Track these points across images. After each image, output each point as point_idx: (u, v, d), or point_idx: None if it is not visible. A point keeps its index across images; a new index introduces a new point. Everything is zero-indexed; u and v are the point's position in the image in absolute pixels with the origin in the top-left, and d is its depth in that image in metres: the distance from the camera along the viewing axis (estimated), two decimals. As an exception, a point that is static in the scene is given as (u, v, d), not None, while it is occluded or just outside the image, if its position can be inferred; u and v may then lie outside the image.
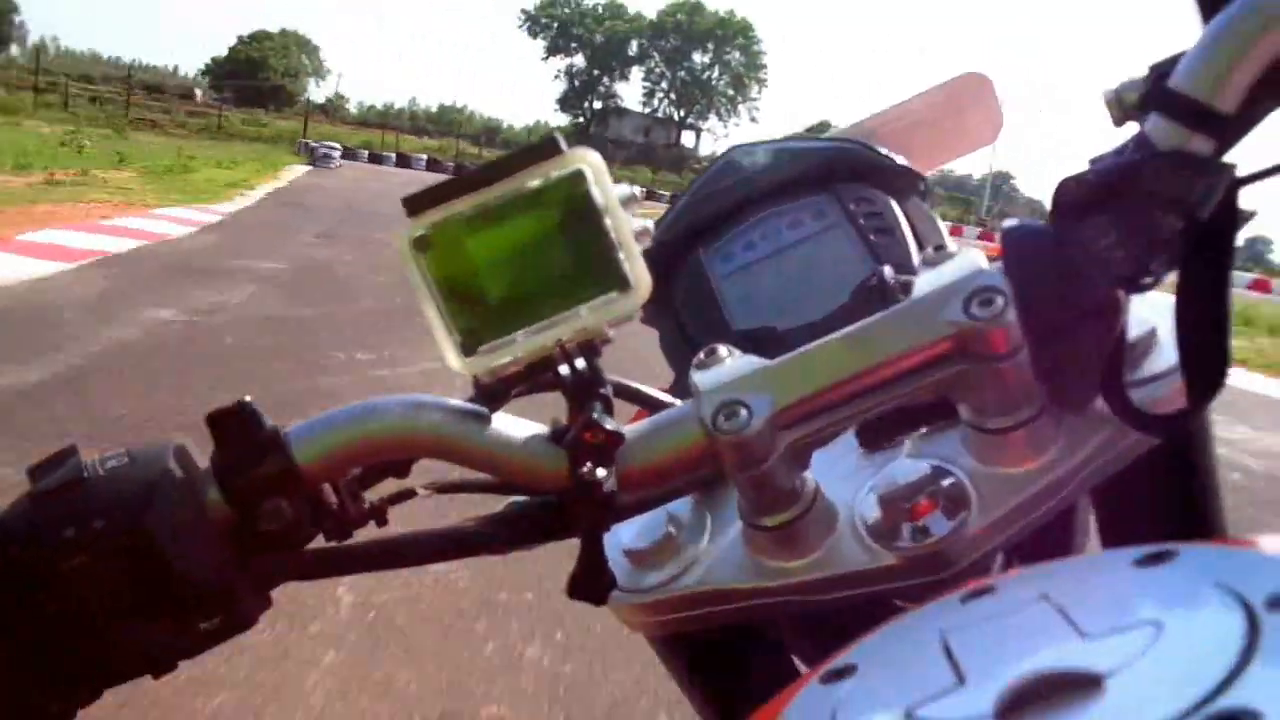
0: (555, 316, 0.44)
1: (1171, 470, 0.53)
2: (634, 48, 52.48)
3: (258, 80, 51.39)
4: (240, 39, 53.87)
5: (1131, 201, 0.40)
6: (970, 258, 0.42)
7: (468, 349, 0.44)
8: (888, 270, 0.48)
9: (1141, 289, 0.41)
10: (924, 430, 0.50)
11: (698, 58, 52.10)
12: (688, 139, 55.80)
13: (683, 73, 52.01)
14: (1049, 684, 0.25)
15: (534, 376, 0.46)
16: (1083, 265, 0.40)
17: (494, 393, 0.46)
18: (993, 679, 0.27)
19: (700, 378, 0.45)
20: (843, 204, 0.63)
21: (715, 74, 52.66)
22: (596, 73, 53.67)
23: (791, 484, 0.46)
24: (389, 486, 0.50)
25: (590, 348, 0.45)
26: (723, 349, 0.46)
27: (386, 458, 0.47)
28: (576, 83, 54.02)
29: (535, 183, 0.43)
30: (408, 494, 0.49)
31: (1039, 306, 0.41)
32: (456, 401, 0.47)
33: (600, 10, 52.18)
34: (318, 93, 54.09)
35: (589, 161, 0.43)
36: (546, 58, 54.73)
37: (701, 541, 0.52)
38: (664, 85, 52.53)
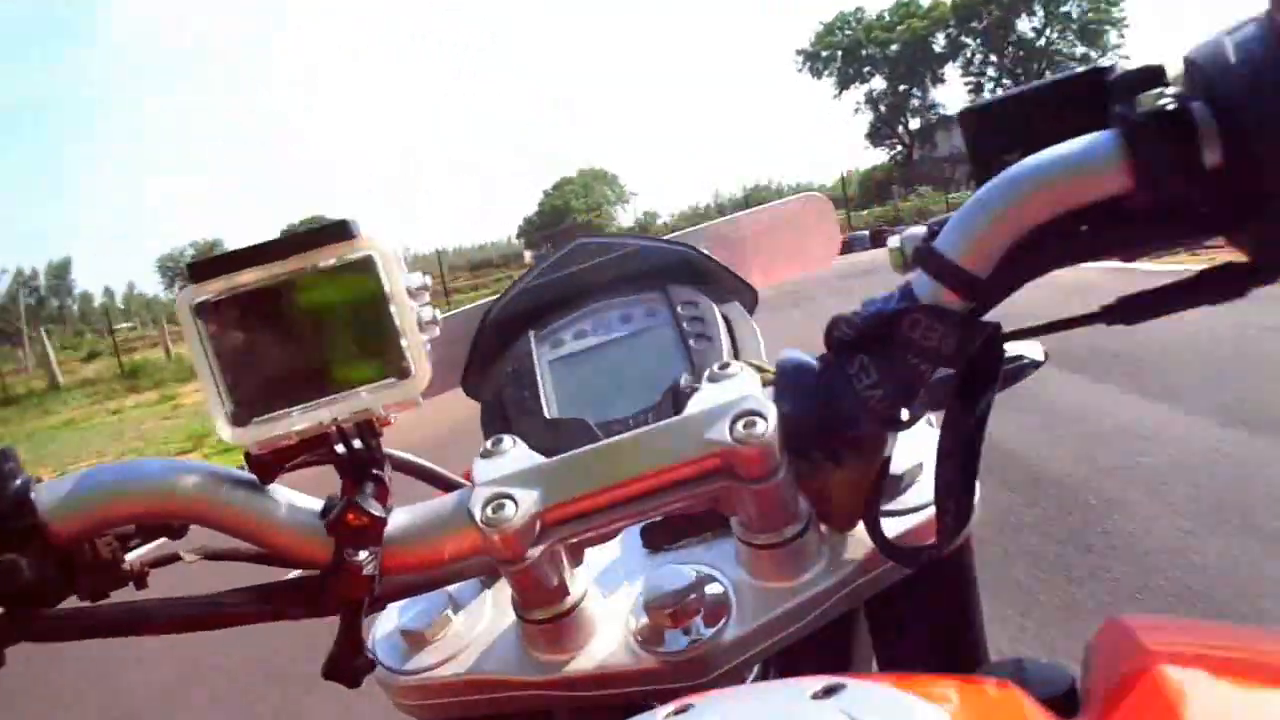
0: (333, 396, 0.46)
1: (935, 595, 0.57)
2: (941, 42, 43.87)
3: (564, 225, 49.57)
4: (545, 192, 52.95)
5: (892, 348, 0.44)
6: (745, 380, 0.47)
7: (240, 419, 0.45)
8: (684, 379, 0.53)
9: (896, 428, 0.46)
10: (704, 535, 0.54)
11: (1025, 24, 41.84)
12: None
13: (1010, 49, 42.04)
14: None
15: (309, 452, 0.47)
16: (842, 401, 0.44)
17: (267, 464, 0.47)
18: None
19: (478, 467, 0.48)
20: (672, 306, 0.69)
21: (1054, 34, 41.72)
22: (903, 88, 45.94)
23: (561, 580, 0.48)
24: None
25: (368, 429, 0.47)
26: (507, 440, 0.49)
27: (144, 520, 0.48)
28: (882, 108, 46.33)
29: (325, 263, 0.45)
30: (171, 558, 0.51)
31: (799, 435, 0.45)
32: (227, 469, 0.49)
33: (887, 17, 43.92)
34: (626, 217, 51.42)
35: (380, 249, 0.45)
36: (839, 94, 51.48)
37: (478, 628, 0.54)
38: (990, 72, 42.91)
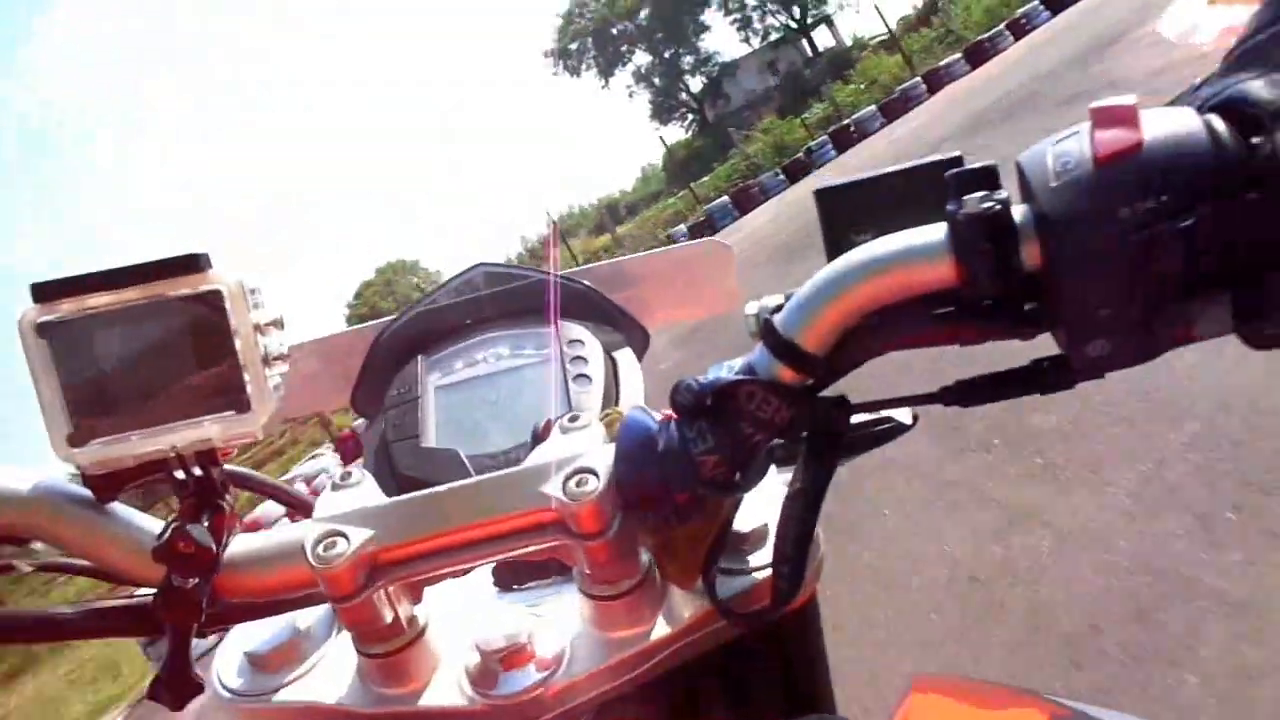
0: (174, 424, 0.48)
1: (778, 649, 0.59)
2: None
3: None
4: (349, 305, 44.87)
5: (729, 416, 0.47)
6: (589, 435, 0.50)
7: (79, 440, 0.47)
8: (546, 424, 0.53)
9: (729, 493, 0.48)
10: (552, 579, 0.57)
11: None
12: (823, 39, 47.86)
13: None
14: None
15: (147, 476, 0.49)
16: (678, 463, 0.47)
17: (105, 484, 0.49)
18: None
19: (320, 502, 0.50)
20: (562, 342, 0.70)
21: None
22: (669, 53, 39.37)
23: (396, 617, 0.50)
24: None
25: (208, 457, 0.49)
26: (357, 474, 0.52)
27: None
28: (656, 81, 40.27)
29: (173, 293, 0.47)
30: (5, 569, 0.53)
31: (636, 493, 0.48)
32: (66, 485, 0.50)
33: None
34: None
35: (228, 284, 0.47)
36: (605, 82, 48.21)
37: (320, 655, 0.56)
38: (750, 1, 37.45)
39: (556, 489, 0.47)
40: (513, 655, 0.51)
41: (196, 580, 0.49)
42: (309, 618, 0.57)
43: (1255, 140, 0.39)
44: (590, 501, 0.46)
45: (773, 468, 0.56)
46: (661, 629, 0.52)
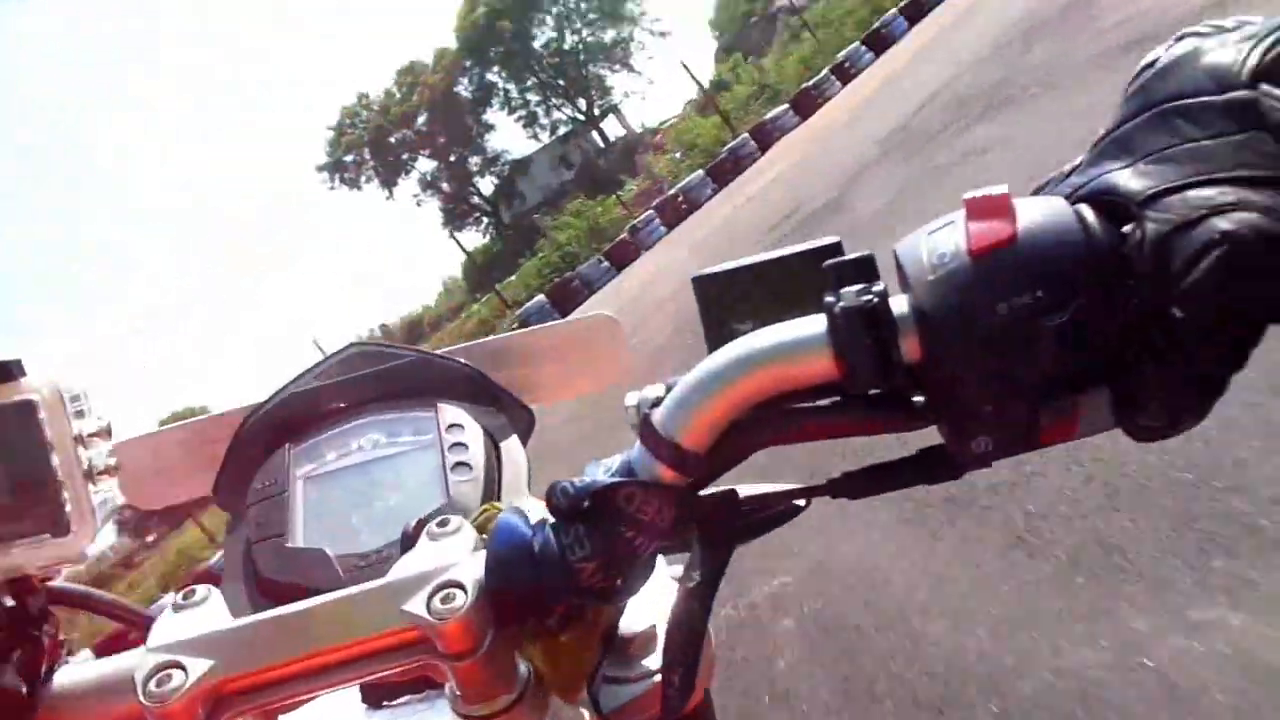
0: None
1: None
2: (466, 88, 36.11)
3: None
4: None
5: (607, 520, 0.46)
6: (458, 543, 0.47)
7: None
8: (421, 524, 0.50)
9: (610, 601, 0.47)
10: (425, 693, 0.54)
11: (541, 39, 35.86)
12: (614, 128, 46.88)
13: (537, 72, 35.43)
14: None
15: None
16: (555, 572, 0.45)
17: None
18: None
19: (155, 629, 0.45)
20: (441, 427, 0.67)
21: (578, 27, 35.98)
22: (454, 157, 37.15)
23: None
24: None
25: (24, 585, 0.46)
26: (201, 591, 0.47)
27: None
28: (444, 186, 37.77)
29: None
30: None
31: (510, 605, 0.46)
32: None
33: (397, 92, 35.69)
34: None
35: (45, 392, 0.44)
36: (389, 193, 45.67)
37: None
38: (533, 98, 36.15)
39: (420, 607, 0.44)
40: None
41: None
42: None
43: (1125, 230, 0.40)
44: (458, 619, 0.44)
45: (661, 560, 0.55)
46: None
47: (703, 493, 0.48)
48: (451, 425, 0.67)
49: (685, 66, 27.04)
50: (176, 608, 0.46)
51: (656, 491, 0.45)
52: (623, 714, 0.51)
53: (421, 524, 0.50)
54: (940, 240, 0.42)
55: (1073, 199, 0.42)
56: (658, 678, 0.50)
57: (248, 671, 0.44)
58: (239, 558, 0.63)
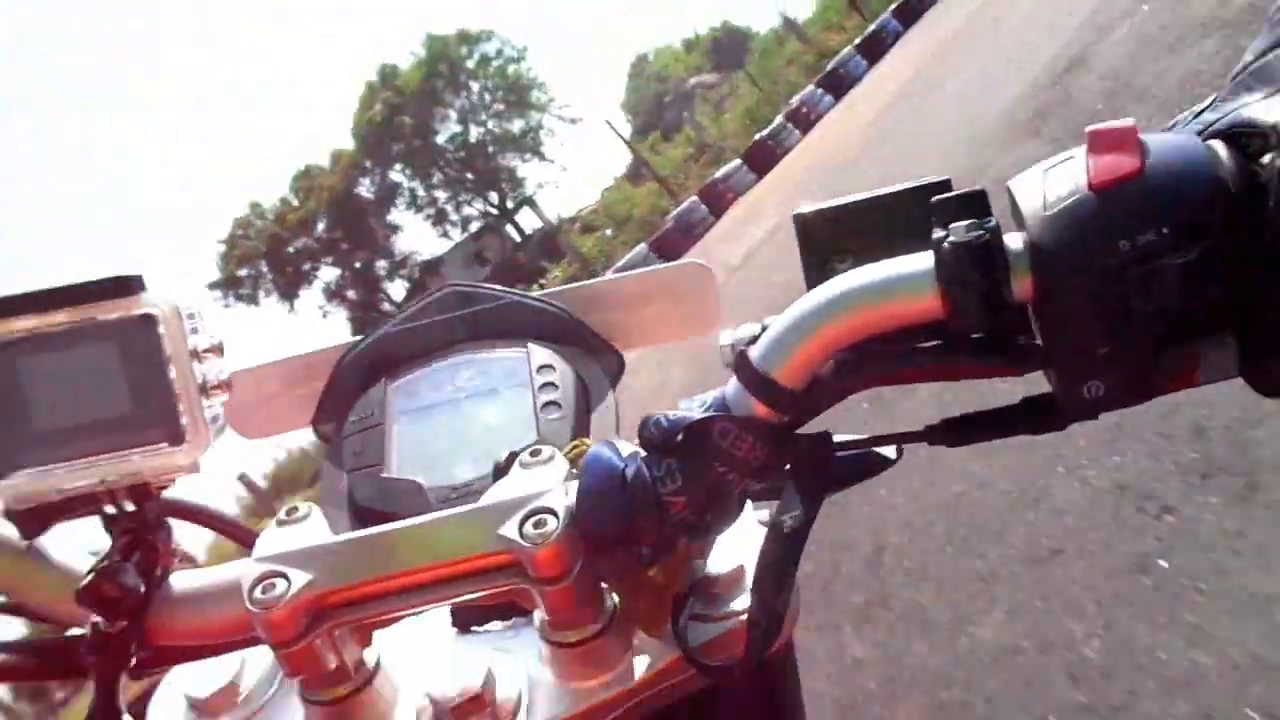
0: (102, 457, 0.47)
1: (754, 702, 0.58)
2: (368, 189, 34.93)
3: None
4: None
5: (700, 455, 0.45)
6: (550, 472, 0.48)
7: (0, 472, 0.46)
8: (513, 456, 0.52)
9: (699, 536, 0.48)
10: (513, 620, 0.55)
11: (445, 133, 34.71)
12: (528, 219, 44.69)
13: (443, 167, 34.12)
14: None
15: (76, 511, 0.48)
16: (645, 504, 0.45)
17: (30, 521, 0.47)
18: None
19: (260, 541, 0.48)
20: (533, 368, 0.69)
21: (482, 118, 34.77)
22: (360, 263, 42.47)
23: (341, 663, 0.49)
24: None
25: (142, 492, 0.48)
26: (303, 509, 0.50)
27: None
28: (350, 294, 35.95)
29: (104, 317, 0.46)
30: None
31: (600, 535, 0.46)
32: None
33: (291, 199, 34.32)
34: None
35: (164, 307, 0.46)
36: (291, 306, 42.07)
37: (264, 701, 0.55)
38: (441, 194, 34.78)
39: (513, 531, 0.46)
40: (467, 706, 0.50)
41: (125, 624, 0.48)
42: (253, 661, 0.56)
43: (1262, 165, 0.38)
44: (549, 545, 0.45)
45: (749, 505, 0.55)
46: (626, 678, 0.51)
47: (797, 433, 0.49)
48: (542, 366, 0.69)
49: (610, 124, 24.75)
50: (280, 523, 0.49)
51: (750, 428, 0.45)
52: (706, 651, 0.51)
53: (513, 455, 0.52)
54: (1060, 174, 0.41)
55: (1205, 135, 0.41)
56: (743, 619, 0.51)
57: (346, 585, 0.46)
58: (335, 486, 0.66)
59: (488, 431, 0.66)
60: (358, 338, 0.77)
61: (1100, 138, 0.39)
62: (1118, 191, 0.38)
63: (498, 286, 0.79)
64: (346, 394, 0.72)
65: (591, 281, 0.83)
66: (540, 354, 0.70)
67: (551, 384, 0.67)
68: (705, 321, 0.79)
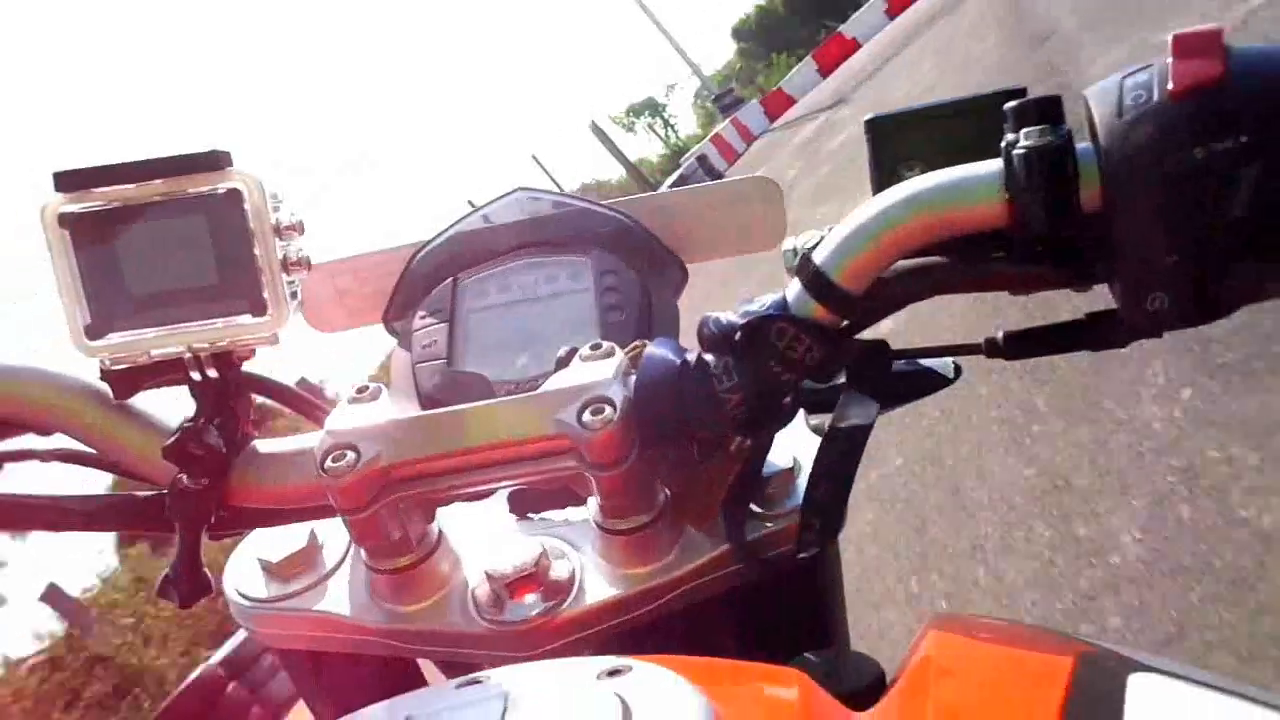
0: (190, 324, 0.50)
1: (797, 596, 0.59)
2: None
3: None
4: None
5: (758, 354, 0.47)
6: (610, 365, 0.50)
7: (95, 333, 0.50)
8: (574, 351, 0.54)
9: (753, 434, 0.49)
10: (568, 509, 0.58)
11: None
12: None
13: None
14: None
15: (164, 375, 0.52)
16: (700, 400, 0.47)
17: (122, 382, 0.51)
18: None
19: (332, 416, 0.51)
20: (596, 272, 0.71)
21: None
22: None
23: (404, 533, 0.52)
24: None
25: (225, 359, 0.52)
26: (374, 388, 0.53)
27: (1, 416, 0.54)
28: None
29: (194, 190, 0.49)
30: (24, 455, 0.55)
31: (655, 428, 0.48)
32: (88, 382, 0.53)
33: None
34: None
35: (249, 181, 0.49)
36: None
37: (332, 568, 0.58)
38: None
39: (571, 417, 0.48)
40: (521, 582, 0.53)
41: (206, 482, 0.51)
42: (325, 531, 0.60)
43: None
44: (606, 432, 0.47)
45: (803, 414, 0.57)
46: (674, 568, 0.53)
47: (855, 339, 0.49)
48: (606, 272, 0.71)
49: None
50: (351, 400, 0.52)
51: (808, 329, 0.46)
52: (753, 547, 0.53)
53: (574, 350, 0.54)
54: (1138, 80, 0.41)
55: None
56: (792, 519, 0.52)
57: (411, 459, 0.49)
58: (403, 375, 0.70)
59: (551, 331, 0.69)
60: (429, 238, 0.79)
61: (1184, 42, 0.39)
62: (1196, 97, 0.38)
63: (567, 192, 0.83)
64: (417, 291, 0.75)
65: (658, 193, 0.85)
66: (605, 260, 0.72)
67: (614, 289, 0.69)
68: (770, 236, 0.81)
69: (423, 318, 0.72)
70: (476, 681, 0.40)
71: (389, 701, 0.41)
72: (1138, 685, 0.34)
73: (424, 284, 0.75)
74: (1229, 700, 0.33)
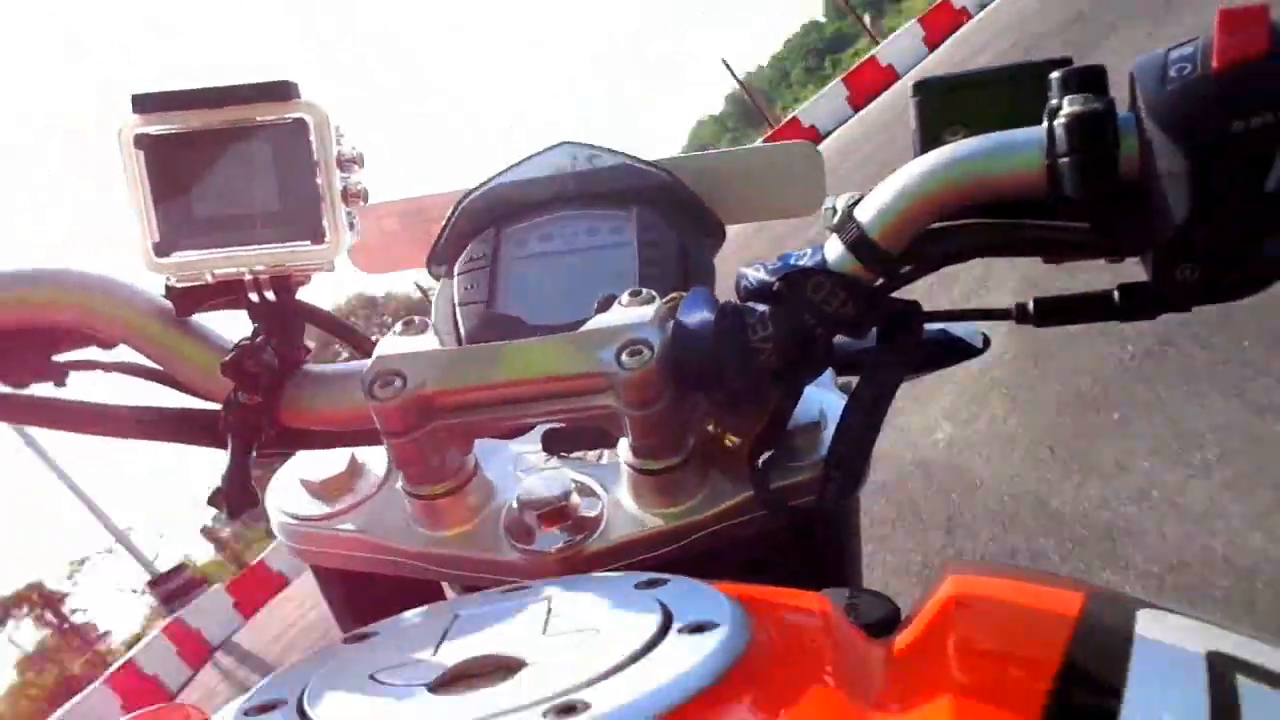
0: (251, 248, 0.52)
1: (816, 542, 0.63)
2: None
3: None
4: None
5: (792, 305, 0.48)
6: (649, 310, 0.52)
7: (162, 251, 0.52)
8: (623, 297, 0.55)
9: (784, 384, 0.51)
10: (599, 450, 0.61)
11: None
12: None
13: None
14: (484, 664, 0.35)
15: (224, 296, 0.54)
16: (734, 348, 0.48)
17: (184, 300, 0.54)
18: (449, 657, 0.36)
19: (383, 343, 0.54)
20: (638, 228, 0.73)
21: None
22: None
23: (442, 461, 0.54)
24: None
25: (283, 283, 0.55)
26: (419, 322, 0.55)
27: (68, 325, 0.55)
28: None
29: (261, 118, 0.51)
30: (88, 365, 0.58)
31: (689, 373, 0.49)
32: (153, 297, 0.56)
33: None
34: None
35: (314, 112, 0.51)
36: None
37: (371, 492, 0.61)
38: None
39: (610, 356, 0.50)
40: (552, 514, 0.55)
41: (259, 400, 0.53)
42: (365, 456, 0.63)
43: None
44: (641, 372, 0.49)
45: (831, 372, 0.59)
46: (700, 510, 0.55)
47: (889, 297, 0.50)
48: (646, 227, 0.73)
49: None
50: (398, 332, 0.54)
51: (845, 284, 0.47)
52: (778, 494, 0.54)
53: (612, 297, 0.55)
54: (1183, 53, 0.41)
55: None
56: (816, 470, 0.54)
57: (454, 389, 0.51)
58: (445, 316, 0.74)
59: (590, 281, 0.70)
60: (474, 185, 0.81)
61: (1231, 17, 0.39)
62: (1239, 71, 0.39)
63: (611, 146, 0.82)
64: (461, 237, 0.77)
65: (698, 153, 0.86)
66: (646, 216, 0.74)
67: (654, 244, 0.72)
68: (810, 201, 0.82)
69: (466, 263, 0.74)
70: (521, 588, 0.42)
71: (440, 603, 0.43)
72: (1146, 620, 0.36)
73: (468, 230, 0.77)
74: (1228, 634, 0.35)
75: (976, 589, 0.43)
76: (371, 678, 0.35)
